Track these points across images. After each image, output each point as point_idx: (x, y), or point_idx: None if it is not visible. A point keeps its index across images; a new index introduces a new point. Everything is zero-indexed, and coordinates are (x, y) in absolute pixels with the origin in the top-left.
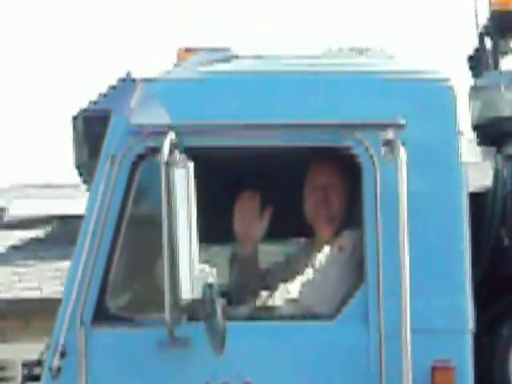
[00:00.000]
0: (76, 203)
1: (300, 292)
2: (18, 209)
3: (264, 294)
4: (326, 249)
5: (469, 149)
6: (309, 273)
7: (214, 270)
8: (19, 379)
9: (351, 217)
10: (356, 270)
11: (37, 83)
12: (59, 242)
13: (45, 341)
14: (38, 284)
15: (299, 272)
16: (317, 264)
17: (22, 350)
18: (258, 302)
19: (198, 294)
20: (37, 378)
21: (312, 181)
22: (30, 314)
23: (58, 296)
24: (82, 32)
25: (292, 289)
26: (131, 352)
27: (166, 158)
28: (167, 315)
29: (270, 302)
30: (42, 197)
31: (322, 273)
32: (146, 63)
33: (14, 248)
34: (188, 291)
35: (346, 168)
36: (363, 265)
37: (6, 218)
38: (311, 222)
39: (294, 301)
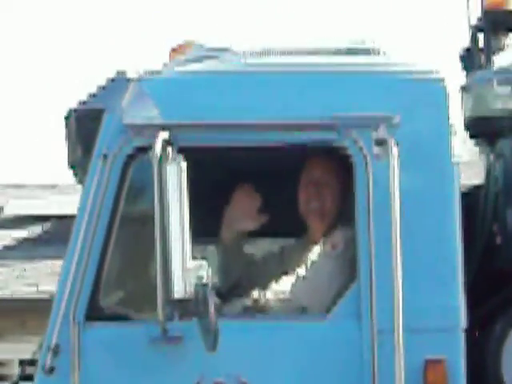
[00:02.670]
0: (72, 202)
1: (292, 290)
2: (14, 208)
3: (256, 292)
4: (319, 246)
5: (463, 147)
6: (301, 271)
7: (209, 268)
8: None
9: (344, 214)
10: (348, 268)
11: (31, 82)
12: (56, 240)
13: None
14: (34, 282)
15: (291, 270)
16: (309, 262)
17: (19, 349)
18: (251, 301)
19: (190, 292)
20: (31, 377)
21: (305, 176)
22: (26, 313)
23: None
24: (76, 32)
25: (285, 287)
26: (124, 349)
27: (158, 156)
28: (159, 313)
29: (263, 300)
30: (38, 196)
31: (314, 270)
32: (137, 62)
33: (11, 247)
34: (180, 290)
35: (339, 165)
36: (355, 263)
37: (3, 217)
38: (304, 217)
39: (286, 299)
